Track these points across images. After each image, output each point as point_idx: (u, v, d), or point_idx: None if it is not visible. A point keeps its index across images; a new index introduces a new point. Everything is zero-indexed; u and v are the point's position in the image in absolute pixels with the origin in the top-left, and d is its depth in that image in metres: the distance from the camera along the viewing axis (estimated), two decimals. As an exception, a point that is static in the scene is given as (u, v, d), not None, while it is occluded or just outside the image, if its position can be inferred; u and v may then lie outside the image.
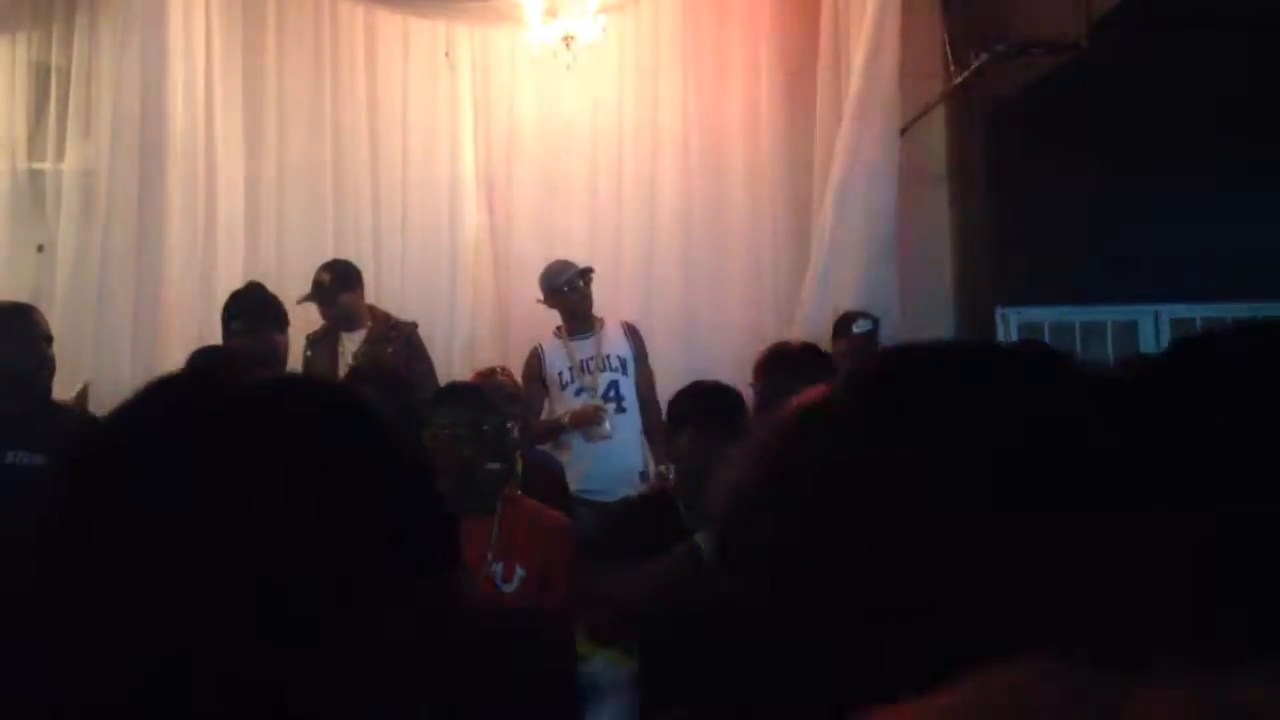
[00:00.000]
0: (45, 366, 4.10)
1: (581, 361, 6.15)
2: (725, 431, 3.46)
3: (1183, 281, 6.94)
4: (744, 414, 3.67)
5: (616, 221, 7.10)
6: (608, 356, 6.14)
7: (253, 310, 5.15)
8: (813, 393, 0.75)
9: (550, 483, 4.98)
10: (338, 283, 6.13)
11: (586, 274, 6.20)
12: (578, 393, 6.10)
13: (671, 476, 3.92)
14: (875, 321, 6.19)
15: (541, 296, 6.24)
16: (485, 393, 4.89)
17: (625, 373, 6.14)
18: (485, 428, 3.79)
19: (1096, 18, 5.46)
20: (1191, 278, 6.90)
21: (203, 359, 4.44)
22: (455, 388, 4.18)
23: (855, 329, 6.12)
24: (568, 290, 6.15)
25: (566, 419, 6.01)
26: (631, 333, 6.27)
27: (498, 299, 7.08)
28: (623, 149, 7.10)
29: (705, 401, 3.73)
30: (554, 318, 6.44)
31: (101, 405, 6.02)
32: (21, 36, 6.72)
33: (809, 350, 4.43)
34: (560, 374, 6.16)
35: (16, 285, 6.51)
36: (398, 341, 6.15)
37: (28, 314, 4.20)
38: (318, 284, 6.14)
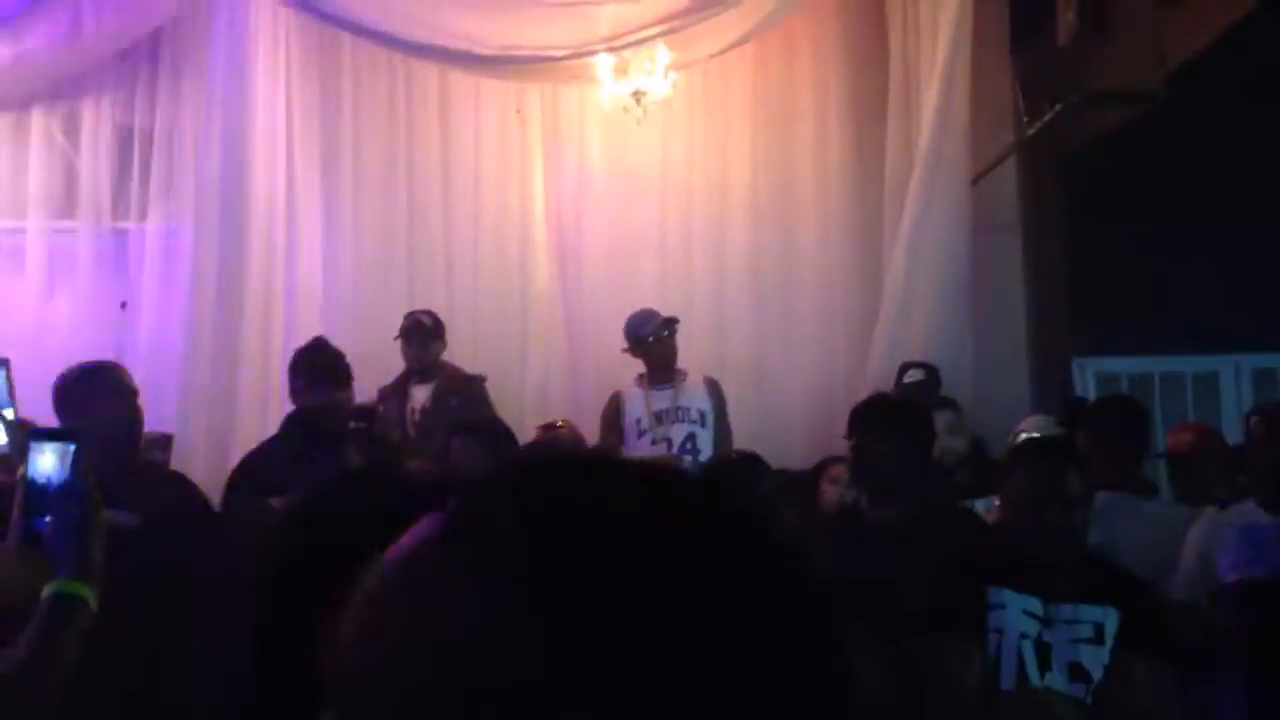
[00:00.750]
0: (136, 421, 4.14)
1: (659, 412, 6.15)
2: None
3: (1264, 331, 6.82)
4: (761, 485, 3.67)
5: (687, 272, 7.12)
6: (687, 409, 6.13)
7: (312, 368, 5.20)
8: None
9: None
10: (436, 327, 6.29)
11: (671, 324, 6.19)
12: (652, 442, 6.10)
13: None
14: (931, 370, 6.13)
15: (626, 345, 6.24)
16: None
17: (704, 425, 6.13)
18: None
19: (1172, 69, 5.40)
20: (1273, 327, 6.77)
21: (300, 419, 4.48)
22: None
23: (906, 379, 6.08)
24: (652, 340, 6.16)
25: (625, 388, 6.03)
26: (712, 386, 6.25)
27: (569, 351, 7.11)
28: (692, 200, 7.14)
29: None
30: (628, 368, 6.48)
31: (184, 460, 6.13)
32: (106, 98, 6.91)
33: (901, 405, 4.39)
34: (638, 421, 6.16)
35: (100, 341, 6.65)
36: (464, 395, 6.20)
37: (113, 371, 4.26)
38: (419, 324, 6.26)
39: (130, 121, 6.93)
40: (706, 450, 6.04)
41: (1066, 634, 3.24)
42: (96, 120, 6.91)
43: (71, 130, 6.97)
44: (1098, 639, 3.24)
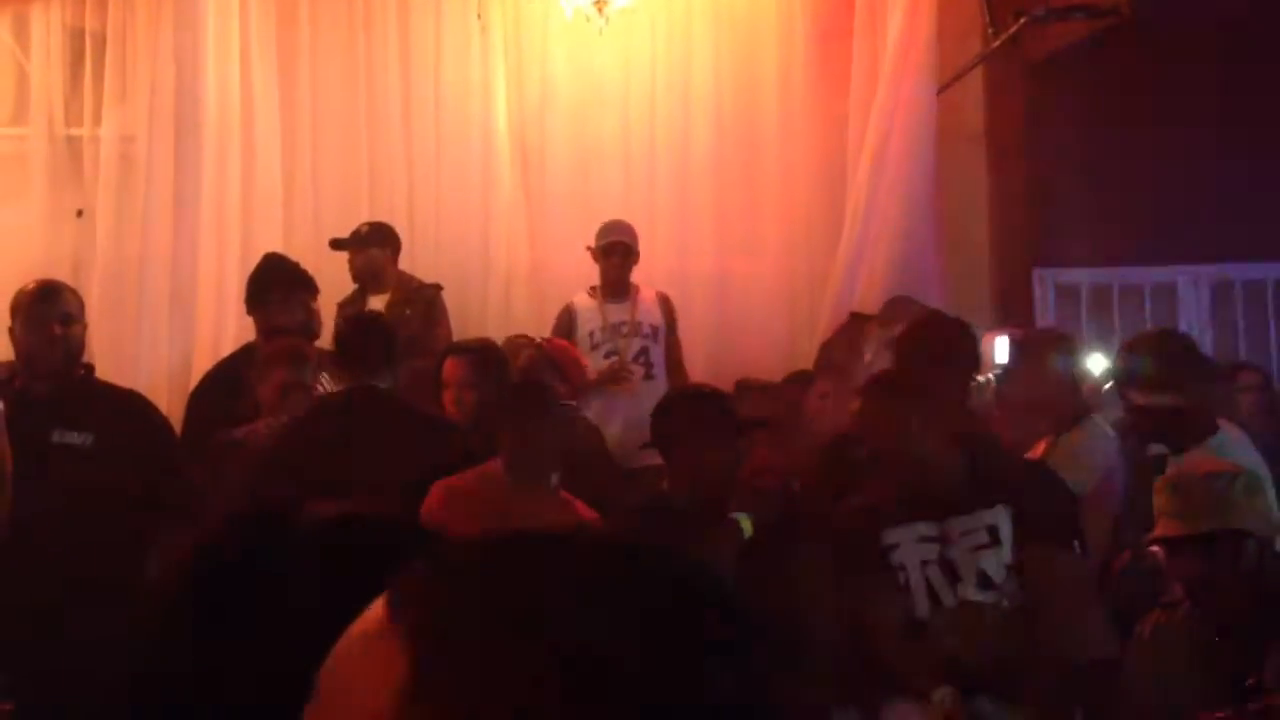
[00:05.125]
0: (56, 347, 4.10)
1: (614, 324, 6.17)
2: (715, 438, 3.53)
3: (1223, 243, 6.87)
4: (732, 415, 3.68)
5: (650, 183, 7.07)
6: (640, 323, 6.16)
7: (287, 280, 5.18)
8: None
9: (588, 452, 5.00)
10: (373, 236, 6.27)
11: (618, 249, 6.17)
12: (606, 355, 6.13)
13: None
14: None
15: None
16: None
17: (656, 340, 6.17)
18: None
19: (1137, -19, 5.37)
20: (1232, 239, 6.82)
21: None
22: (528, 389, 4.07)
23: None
24: (594, 249, 6.20)
25: (593, 376, 6.05)
26: (664, 302, 6.29)
27: (531, 260, 7.08)
28: (655, 110, 7.06)
29: (692, 413, 3.70)
30: (592, 278, 6.50)
31: (142, 369, 6.12)
32: (55, 1, 6.71)
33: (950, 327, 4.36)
34: (591, 334, 6.18)
35: (56, 251, 6.58)
36: (418, 304, 6.19)
37: (46, 296, 4.21)
38: (355, 233, 6.28)
39: (81, 24, 6.75)
40: (659, 365, 6.09)
41: (965, 544, 3.31)
42: (46, 24, 6.71)
43: (21, 33, 6.79)
44: (994, 541, 3.31)
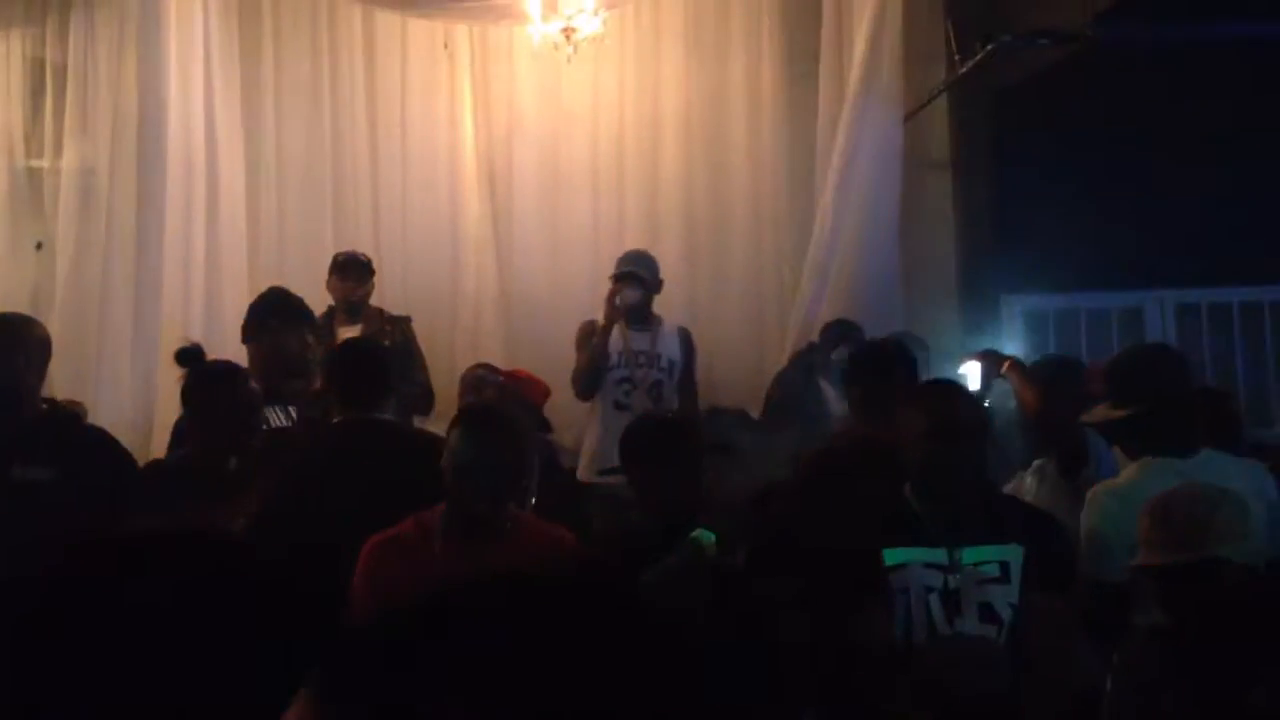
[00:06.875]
0: (18, 382, 4.02)
1: (635, 353, 6.05)
2: (679, 464, 3.49)
3: (1188, 267, 6.92)
4: (696, 441, 3.63)
5: (618, 209, 7.06)
6: (659, 355, 6.06)
7: (288, 310, 5.11)
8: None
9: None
10: (370, 267, 6.21)
11: (631, 279, 5.96)
12: (618, 381, 6.02)
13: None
14: (855, 337, 5.92)
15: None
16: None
17: (671, 376, 6.06)
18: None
19: (1100, 8, 5.41)
20: (1197, 263, 6.87)
21: (187, 357, 4.37)
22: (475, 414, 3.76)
23: (834, 357, 5.84)
24: (612, 277, 6.01)
25: (601, 319, 5.91)
26: (685, 337, 6.17)
27: (500, 287, 7.05)
28: (624, 135, 7.06)
29: (657, 439, 3.64)
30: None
31: (105, 403, 6.01)
32: (15, 32, 6.64)
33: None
34: (607, 356, 6.10)
35: (16, 282, 6.50)
36: (394, 335, 6.13)
37: (7, 329, 4.12)
38: (356, 260, 6.18)
39: (42, 55, 6.68)
40: (670, 401, 5.97)
41: (973, 576, 3.27)
42: (6, 55, 6.65)
43: (-19, 64, 6.72)
44: (1004, 578, 3.28)
